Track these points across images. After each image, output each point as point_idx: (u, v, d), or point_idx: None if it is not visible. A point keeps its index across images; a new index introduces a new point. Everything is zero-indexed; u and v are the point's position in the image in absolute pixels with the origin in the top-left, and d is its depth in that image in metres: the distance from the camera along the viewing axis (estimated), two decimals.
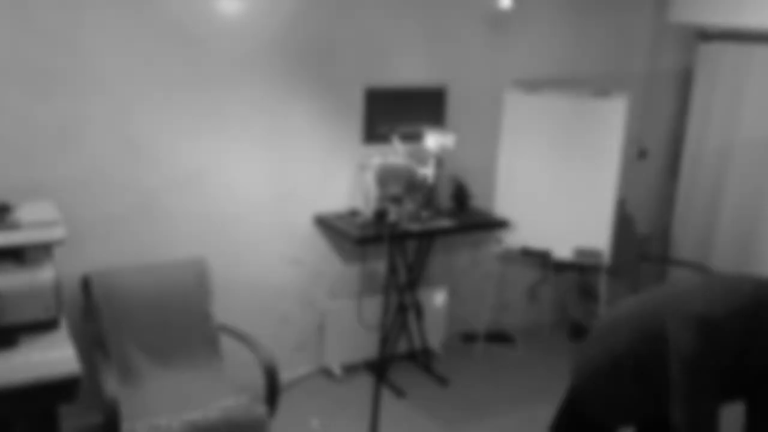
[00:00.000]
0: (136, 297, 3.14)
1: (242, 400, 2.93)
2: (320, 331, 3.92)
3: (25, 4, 2.87)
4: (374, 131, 3.83)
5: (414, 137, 3.88)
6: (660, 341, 2.03)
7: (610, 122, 3.97)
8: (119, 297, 3.11)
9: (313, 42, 3.56)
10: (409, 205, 3.73)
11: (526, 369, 4.23)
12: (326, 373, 3.95)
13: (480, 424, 3.63)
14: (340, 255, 3.89)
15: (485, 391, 3.94)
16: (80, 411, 3.13)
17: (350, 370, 3.99)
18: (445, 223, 3.82)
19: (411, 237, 3.80)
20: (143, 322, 3.14)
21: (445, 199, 4.06)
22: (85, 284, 3.11)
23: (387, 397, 3.76)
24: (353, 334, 3.90)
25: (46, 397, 2.41)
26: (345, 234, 3.58)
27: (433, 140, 3.76)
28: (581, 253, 4.09)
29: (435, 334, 4.22)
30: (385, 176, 3.68)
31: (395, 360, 4.09)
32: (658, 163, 4.98)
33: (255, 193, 3.56)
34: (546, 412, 3.77)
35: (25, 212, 2.68)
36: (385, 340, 3.74)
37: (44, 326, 2.58)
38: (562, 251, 4.11)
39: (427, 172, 3.77)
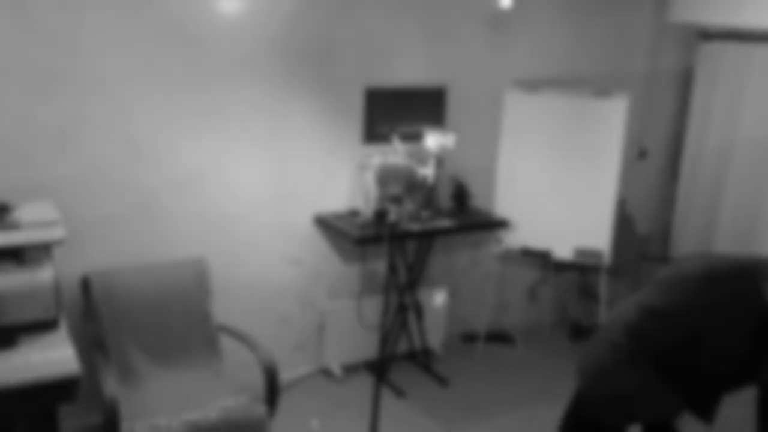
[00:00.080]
0: (135, 297, 3.14)
1: (242, 400, 2.92)
2: (320, 331, 3.92)
3: (25, 4, 2.87)
4: (374, 131, 3.83)
5: (414, 137, 3.88)
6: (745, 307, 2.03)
7: (610, 122, 3.96)
8: (119, 297, 3.11)
9: (313, 42, 3.56)
10: (409, 205, 3.73)
11: (527, 369, 4.23)
12: (326, 373, 3.94)
13: (480, 425, 3.62)
14: (340, 255, 3.88)
15: (485, 392, 3.94)
16: (80, 411, 3.13)
17: (350, 370, 3.99)
18: (445, 223, 3.82)
19: (411, 237, 3.80)
20: (143, 322, 3.13)
21: (445, 199, 4.06)
22: (85, 284, 3.11)
23: (387, 397, 3.75)
24: (353, 334, 3.90)
25: (46, 397, 2.41)
26: (345, 234, 3.58)
27: (433, 140, 3.76)
28: (581, 253, 4.08)
29: (435, 334, 4.21)
30: (385, 176, 3.68)
31: (395, 360, 4.08)
32: (658, 163, 4.97)
33: (255, 193, 3.56)
34: (546, 412, 3.78)
35: (25, 212, 2.68)
36: (385, 340, 3.73)
37: (44, 326, 2.58)
38: (563, 251, 4.11)
39: (427, 172, 3.76)
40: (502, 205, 4.14)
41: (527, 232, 4.13)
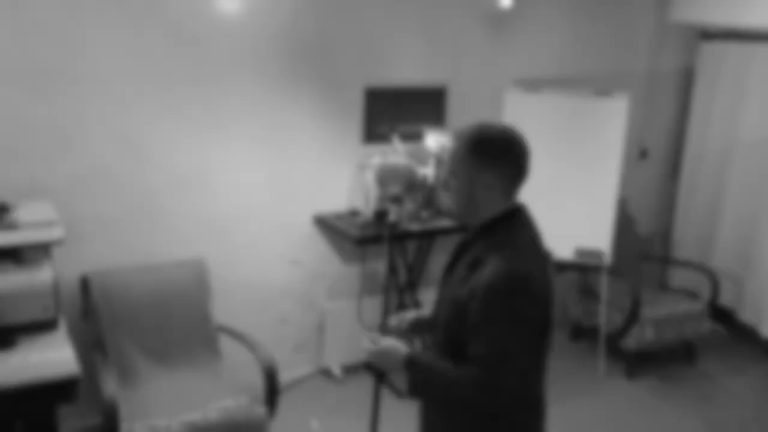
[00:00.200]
0: (135, 297, 3.13)
1: (242, 400, 2.91)
2: (320, 331, 3.91)
3: (25, 3, 2.87)
4: (374, 131, 3.82)
5: (414, 137, 3.87)
6: None
7: (611, 122, 3.96)
8: (118, 297, 3.10)
9: (313, 42, 3.55)
10: (409, 205, 3.72)
11: None
12: (326, 373, 3.94)
13: None
14: (340, 255, 3.87)
15: None
16: (79, 412, 3.12)
17: (350, 370, 3.98)
18: (445, 223, 3.81)
19: (411, 237, 3.79)
20: (142, 322, 3.13)
21: (445, 198, 4.04)
22: (84, 284, 3.10)
23: (387, 397, 3.74)
24: (353, 335, 3.89)
25: (45, 397, 2.41)
26: (345, 234, 3.57)
27: (433, 140, 3.75)
28: (582, 253, 4.07)
29: None
30: (385, 176, 3.67)
31: None
32: (659, 163, 4.97)
33: (255, 193, 3.55)
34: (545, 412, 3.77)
35: (24, 212, 2.68)
36: None
37: (43, 327, 2.58)
38: (563, 251, 4.10)
39: (427, 171, 3.75)
40: None
41: None
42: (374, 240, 3.53)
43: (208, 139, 3.38)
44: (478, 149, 1.77)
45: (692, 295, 4.48)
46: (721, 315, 4.54)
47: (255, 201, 3.56)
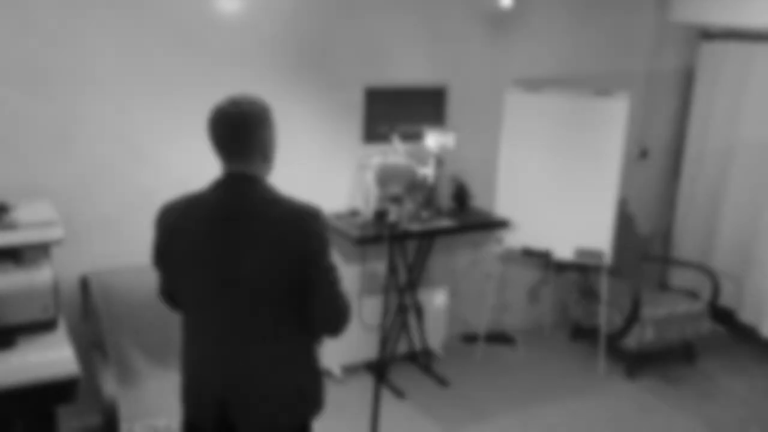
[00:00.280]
0: (134, 297, 3.12)
1: None
2: None
3: (24, 3, 2.86)
4: (374, 131, 3.82)
5: (414, 137, 3.87)
6: None
7: (611, 122, 3.95)
8: (118, 297, 3.10)
9: (313, 41, 3.55)
10: (410, 205, 3.72)
11: (527, 370, 4.21)
12: (326, 374, 3.93)
13: (480, 425, 3.61)
14: (340, 255, 3.87)
15: (486, 392, 3.93)
16: (79, 412, 3.12)
17: (350, 370, 3.97)
18: (445, 223, 3.81)
19: (411, 237, 3.78)
20: (142, 322, 3.12)
21: (445, 199, 4.04)
22: (84, 284, 3.10)
23: (387, 398, 3.74)
24: (353, 335, 3.88)
25: (45, 397, 2.40)
26: (345, 234, 3.57)
27: (433, 140, 3.75)
28: (582, 253, 4.07)
29: (435, 335, 4.20)
30: (385, 176, 3.67)
31: (395, 361, 4.07)
32: (659, 163, 4.96)
33: None
34: (546, 412, 3.77)
35: (23, 212, 2.67)
36: (385, 341, 3.72)
37: (42, 327, 2.57)
38: (563, 251, 4.10)
39: (428, 171, 3.75)
40: (503, 205, 4.13)
41: (528, 232, 4.11)
42: (374, 240, 3.53)
43: (207, 139, 3.36)
44: None
45: (692, 295, 4.48)
46: (722, 315, 4.54)
47: None
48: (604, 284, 4.10)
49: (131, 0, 3.06)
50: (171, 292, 2.08)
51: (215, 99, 3.34)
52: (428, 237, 3.91)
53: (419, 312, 4.04)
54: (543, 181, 4.09)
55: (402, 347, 4.11)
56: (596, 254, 4.05)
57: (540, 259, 4.26)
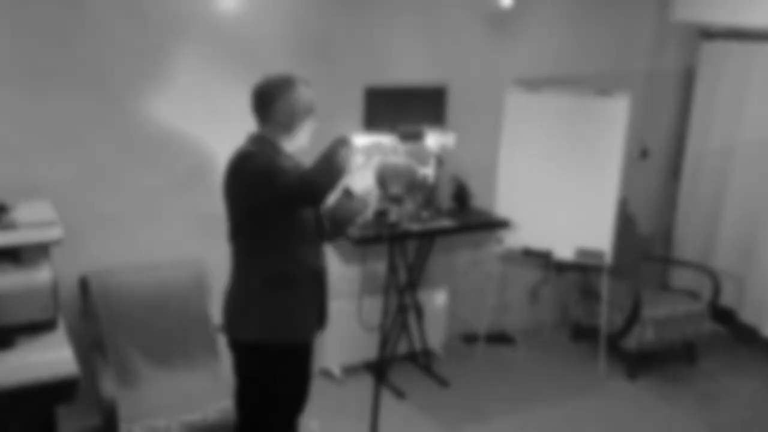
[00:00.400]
0: (134, 297, 3.12)
1: None
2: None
3: (24, 2, 2.86)
4: (374, 130, 3.81)
5: (414, 136, 3.85)
6: None
7: (611, 121, 3.95)
8: (117, 297, 3.09)
9: (313, 41, 3.54)
10: (410, 205, 3.71)
11: (527, 370, 4.21)
12: (326, 374, 3.93)
13: (480, 426, 3.61)
14: (340, 255, 3.87)
15: (486, 393, 3.92)
16: (78, 412, 3.11)
17: (350, 371, 3.97)
18: (445, 223, 3.80)
19: (411, 237, 3.78)
20: (141, 322, 3.12)
21: (445, 198, 4.04)
22: (83, 285, 3.09)
23: (387, 398, 3.74)
24: (353, 335, 3.88)
25: (44, 398, 2.40)
26: (345, 234, 3.56)
27: (433, 139, 3.74)
28: (583, 253, 4.06)
29: (435, 335, 4.19)
30: (385, 176, 3.66)
31: (395, 361, 4.07)
32: (660, 163, 4.95)
33: None
34: (547, 413, 3.76)
35: (22, 212, 2.67)
36: (385, 341, 3.72)
37: (42, 327, 2.57)
38: (564, 251, 4.09)
39: (428, 171, 3.74)
40: (503, 205, 4.13)
41: (528, 232, 4.11)
42: (374, 240, 3.53)
43: (207, 139, 3.37)
44: None
45: (693, 295, 4.47)
46: (722, 315, 4.53)
47: None
48: (604, 284, 4.10)
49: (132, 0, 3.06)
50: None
51: (215, 98, 3.36)
52: (428, 237, 3.90)
53: (419, 312, 4.03)
54: (543, 181, 4.08)
55: (402, 347, 4.10)
56: (597, 254, 4.04)
57: (540, 259, 4.26)
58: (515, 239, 4.15)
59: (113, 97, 3.11)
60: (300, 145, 2.47)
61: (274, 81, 2.40)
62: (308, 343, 2.55)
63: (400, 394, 3.84)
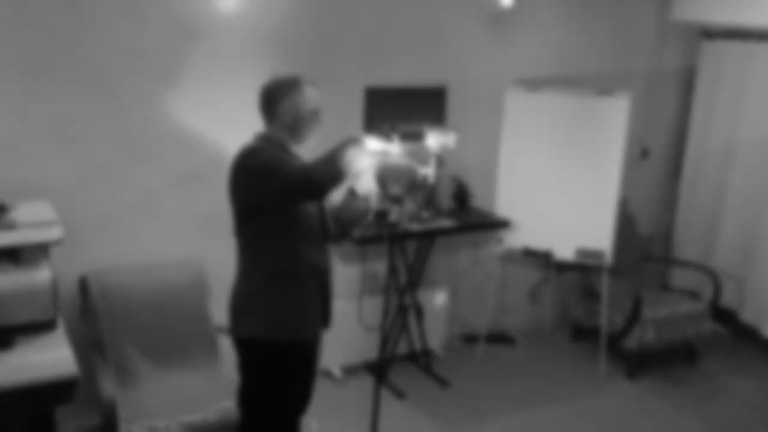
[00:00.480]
0: (134, 298, 3.12)
1: None
2: None
3: (25, 2, 2.85)
4: (374, 129, 3.80)
5: (415, 136, 3.85)
6: None
7: (612, 121, 3.94)
8: (117, 298, 3.09)
9: (313, 41, 3.54)
10: (410, 205, 3.71)
11: (528, 370, 4.21)
12: (326, 374, 3.92)
13: (481, 426, 3.60)
14: (340, 255, 3.86)
15: (486, 393, 3.92)
16: (78, 413, 3.11)
17: (350, 371, 3.97)
18: (445, 223, 3.80)
19: (411, 237, 3.78)
20: (141, 322, 3.12)
21: (445, 198, 4.03)
22: (83, 285, 3.09)
23: (387, 398, 3.73)
24: (353, 335, 3.88)
25: (43, 398, 2.40)
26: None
27: (433, 139, 3.73)
28: (583, 253, 4.06)
29: (435, 335, 4.19)
30: (385, 176, 3.65)
31: (395, 361, 4.06)
32: (660, 163, 4.95)
33: None
34: (547, 413, 3.76)
35: (22, 212, 2.66)
36: (385, 341, 3.71)
37: (41, 327, 2.57)
38: (564, 251, 4.09)
39: (428, 171, 3.74)
40: (503, 205, 4.12)
41: (528, 232, 4.10)
42: (374, 240, 3.52)
43: (208, 139, 3.36)
44: None
45: (694, 295, 4.47)
46: (723, 315, 4.53)
47: None
48: (604, 284, 4.09)
49: None
50: None
51: (215, 98, 3.36)
52: (428, 237, 3.90)
53: (419, 312, 4.03)
54: (544, 180, 4.08)
55: (402, 347, 4.10)
56: (597, 254, 4.04)
57: (540, 259, 4.25)
58: (515, 239, 4.15)
59: (113, 97, 3.11)
60: (304, 146, 2.49)
61: (280, 82, 2.42)
62: (312, 342, 2.55)
63: (400, 394, 3.84)
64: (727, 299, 4.48)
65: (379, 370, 3.38)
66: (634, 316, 4.01)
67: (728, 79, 4.47)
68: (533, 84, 4.11)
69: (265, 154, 2.35)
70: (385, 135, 2.66)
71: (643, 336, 4.03)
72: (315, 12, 3.51)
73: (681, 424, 3.72)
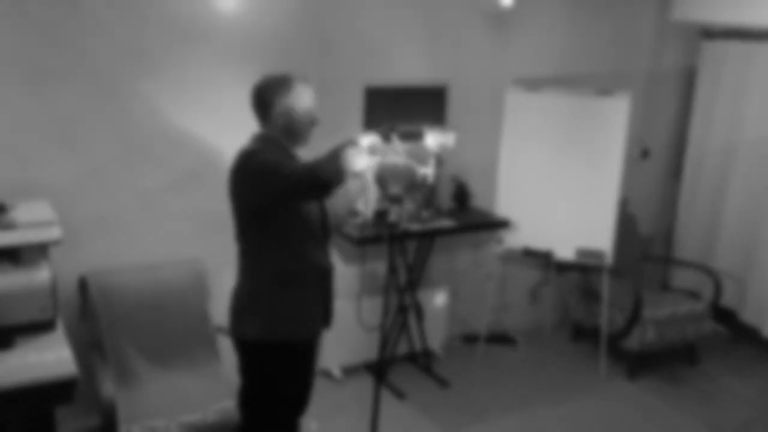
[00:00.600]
0: (133, 298, 3.12)
1: None
2: None
3: (25, 2, 2.85)
4: (374, 130, 3.80)
5: (414, 136, 3.85)
6: None
7: (612, 121, 3.94)
8: (116, 298, 3.09)
9: (313, 40, 3.54)
10: (410, 205, 3.71)
11: (528, 370, 4.20)
12: (326, 374, 3.92)
13: (481, 426, 3.60)
14: (340, 255, 3.86)
15: (486, 393, 3.92)
16: (77, 413, 3.11)
17: (350, 371, 3.96)
18: (445, 223, 3.80)
19: (411, 237, 3.77)
20: (141, 323, 3.11)
21: (445, 198, 4.03)
22: (82, 285, 3.09)
23: (387, 398, 3.73)
24: (353, 335, 3.87)
25: (43, 399, 2.39)
26: (345, 234, 3.56)
27: (433, 139, 3.73)
28: (583, 253, 4.06)
29: (435, 336, 4.19)
30: (385, 176, 3.65)
31: (395, 361, 4.06)
32: (660, 163, 4.95)
33: None
34: (547, 413, 3.75)
35: (21, 212, 2.66)
36: (385, 342, 3.71)
37: (41, 327, 2.56)
38: (564, 252, 4.09)
39: (427, 171, 3.73)
40: (503, 205, 4.12)
41: (528, 232, 4.10)
42: (374, 240, 3.52)
43: (207, 139, 3.36)
44: None
45: (694, 295, 4.47)
46: (723, 315, 4.52)
47: None
48: (605, 284, 4.09)
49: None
50: None
51: (214, 98, 3.36)
52: (428, 237, 3.90)
53: (419, 312, 4.03)
54: (544, 180, 4.08)
55: (402, 348, 4.10)
56: (597, 254, 4.03)
57: (541, 259, 4.25)
58: (515, 239, 4.14)
59: (113, 97, 3.11)
60: (304, 148, 2.48)
61: (271, 81, 2.40)
62: (313, 342, 2.54)
63: (400, 394, 3.83)
64: (728, 299, 4.48)
65: (379, 370, 3.37)
66: (635, 317, 4.00)
67: (728, 79, 4.47)
68: (533, 84, 4.10)
69: (266, 154, 2.35)
70: (385, 135, 2.62)
71: (643, 336, 4.02)
72: (315, 12, 3.51)
73: (681, 424, 3.72)
